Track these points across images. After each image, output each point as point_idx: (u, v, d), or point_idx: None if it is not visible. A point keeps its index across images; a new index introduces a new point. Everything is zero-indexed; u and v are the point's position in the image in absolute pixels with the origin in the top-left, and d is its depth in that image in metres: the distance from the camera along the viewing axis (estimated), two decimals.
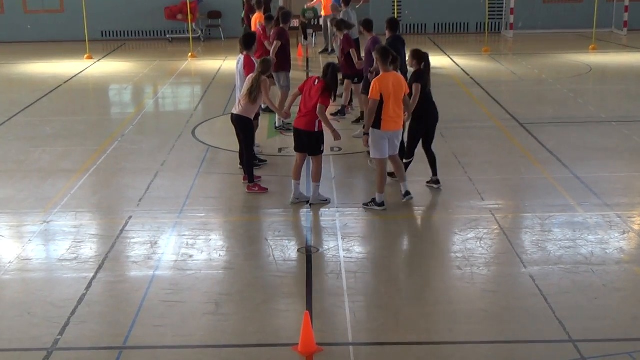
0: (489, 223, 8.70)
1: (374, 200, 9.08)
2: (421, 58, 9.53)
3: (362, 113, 13.21)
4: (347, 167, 11.04)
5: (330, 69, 9.05)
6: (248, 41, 10.73)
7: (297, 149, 9.38)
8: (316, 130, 9.08)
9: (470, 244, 8.08)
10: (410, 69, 10.16)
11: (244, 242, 8.39)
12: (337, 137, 9.25)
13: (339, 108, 13.64)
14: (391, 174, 9.72)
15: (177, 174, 10.73)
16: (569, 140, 12.08)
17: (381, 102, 8.72)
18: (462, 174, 10.42)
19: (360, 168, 10.81)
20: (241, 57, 10.84)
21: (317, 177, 9.29)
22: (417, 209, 9.17)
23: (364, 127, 11.78)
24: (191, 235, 8.46)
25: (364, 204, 9.14)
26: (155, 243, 8.26)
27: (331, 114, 13.16)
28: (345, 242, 8.22)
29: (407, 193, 9.22)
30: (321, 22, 22.03)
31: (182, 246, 8.16)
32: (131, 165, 11.26)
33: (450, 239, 8.38)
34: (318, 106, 8.91)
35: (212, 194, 9.93)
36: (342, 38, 13.28)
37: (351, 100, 14.01)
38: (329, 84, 9.01)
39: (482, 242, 8.16)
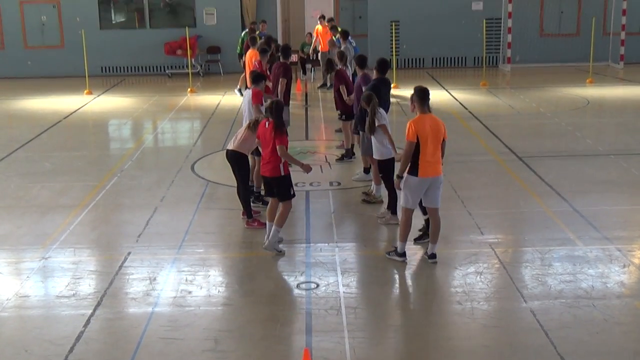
0: (489, 257, 8.68)
1: (395, 250, 8.58)
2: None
3: (347, 150, 13.20)
4: (347, 202, 11.04)
5: (274, 106, 8.75)
6: (256, 78, 10.91)
7: (267, 194, 9.24)
8: (282, 174, 8.79)
9: (470, 279, 8.06)
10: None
11: (243, 277, 8.37)
12: (307, 169, 9.15)
13: (343, 152, 13.31)
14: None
15: (176, 209, 10.73)
16: (567, 174, 12.11)
17: (417, 145, 8.15)
18: (461, 208, 10.42)
19: (359, 203, 10.80)
20: (248, 90, 10.99)
21: (280, 221, 8.85)
22: (416, 243, 9.13)
23: (364, 170, 11.84)
24: (190, 271, 8.44)
25: (386, 253, 8.68)
26: (154, 279, 8.23)
27: (336, 160, 13.17)
28: (345, 277, 8.19)
29: (433, 256, 8.54)
30: (319, 57, 22.19)
31: (181, 282, 8.14)
32: (130, 200, 11.27)
33: (450, 273, 8.35)
34: (278, 148, 8.63)
35: (211, 229, 9.92)
36: (334, 76, 13.31)
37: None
38: (277, 123, 8.69)
39: (482, 276, 8.13)
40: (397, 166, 9.39)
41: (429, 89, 8.38)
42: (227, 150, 9.80)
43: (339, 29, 20.07)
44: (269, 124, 8.79)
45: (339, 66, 13.28)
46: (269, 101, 9.14)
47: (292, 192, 8.92)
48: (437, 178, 8.34)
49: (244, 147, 9.65)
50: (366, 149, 10.45)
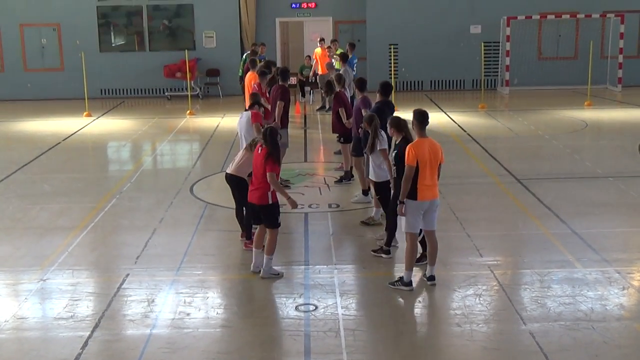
0: (488, 279, 8.68)
1: (401, 279, 8.44)
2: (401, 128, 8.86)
3: (346, 172, 13.23)
4: (345, 224, 11.04)
5: (269, 133, 8.63)
6: (254, 101, 11.12)
7: (254, 221, 9.15)
8: (270, 202, 8.63)
9: (470, 301, 8.05)
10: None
11: (241, 299, 8.35)
12: (293, 205, 8.84)
13: (342, 174, 13.34)
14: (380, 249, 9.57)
15: (174, 231, 10.73)
16: (566, 196, 12.13)
17: (416, 169, 8.13)
18: (459, 230, 10.43)
19: (358, 225, 10.81)
20: (245, 112, 11.06)
21: (270, 250, 8.73)
22: (415, 265, 9.11)
23: (362, 192, 11.86)
24: (188, 292, 8.43)
25: (389, 283, 8.50)
26: (152, 301, 8.22)
27: (335, 181, 13.21)
28: (344, 299, 8.18)
29: (432, 278, 8.52)
30: (318, 79, 22.29)
31: (179, 304, 8.12)
32: (129, 222, 11.28)
33: (449, 295, 8.34)
34: (268, 175, 8.50)
35: (210, 251, 9.92)
36: (333, 98, 13.34)
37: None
38: (270, 150, 8.58)
39: (481, 298, 8.13)
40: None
41: (427, 112, 8.42)
42: (226, 174, 9.80)
43: (339, 51, 20.17)
44: (262, 150, 8.72)
45: (338, 89, 13.33)
46: (264, 128, 9.08)
47: (278, 221, 8.76)
48: (434, 201, 8.35)
49: (242, 171, 9.61)
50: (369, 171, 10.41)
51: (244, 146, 9.97)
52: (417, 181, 8.17)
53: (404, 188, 8.22)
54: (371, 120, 9.82)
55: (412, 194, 8.21)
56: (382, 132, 9.88)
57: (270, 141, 8.65)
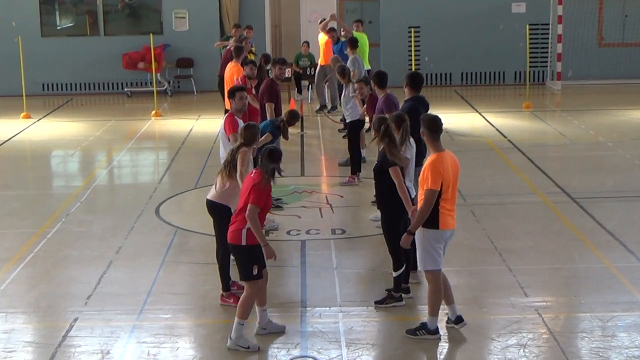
0: (535, 326, 8.69)
1: (424, 326, 8.44)
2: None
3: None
4: (353, 255, 11.08)
5: (267, 156, 8.23)
6: (231, 93, 10.85)
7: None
8: (243, 243, 8.18)
9: (512, 353, 8.06)
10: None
11: (221, 350, 8.34)
12: (269, 254, 8.26)
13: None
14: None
15: (136, 263, 10.77)
16: (634, 220, 12.16)
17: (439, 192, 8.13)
18: (499, 263, 10.46)
19: (368, 256, 10.83)
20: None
21: (241, 310, 8.22)
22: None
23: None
24: (153, 342, 8.44)
25: (408, 332, 8.46)
26: (108, 352, 8.23)
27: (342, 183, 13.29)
28: (351, 350, 8.19)
29: (460, 319, 8.57)
30: (317, 72, 22.12)
31: (142, 356, 8.14)
32: (78, 252, 11.30)
33: (485, 346, 8.36)
34: (248, 207, 8.09)
35: (181, 289, 9.94)
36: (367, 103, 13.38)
37: (360, 169, 14.11)
38: (263, 174, 8.16)
39: (526, 350, 8.14)
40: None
41: (440, 117, 8.39)
42: (206, 200, 9.43)
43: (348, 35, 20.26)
44: (255, 174, 8.32)
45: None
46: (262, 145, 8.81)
47: (254, 272, 8.20)
48: (453, 231, 8.45)
49: (225, 197, 9.20)
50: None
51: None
52: (439, 205, 8.17)
53: (422, 217, 8.16)
54: (401, 121, 9.57)
55: (433, 222, 8.19)
56: (411, 140, 9.76)
57: (266, 161, 8.25)
